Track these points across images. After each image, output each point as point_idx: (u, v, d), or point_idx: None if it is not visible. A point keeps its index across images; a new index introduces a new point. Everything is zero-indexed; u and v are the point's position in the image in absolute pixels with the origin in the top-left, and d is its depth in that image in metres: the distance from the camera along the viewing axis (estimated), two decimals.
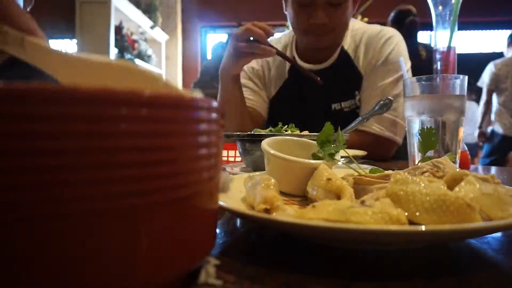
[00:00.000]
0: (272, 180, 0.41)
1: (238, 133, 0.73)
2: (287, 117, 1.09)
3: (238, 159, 0.89)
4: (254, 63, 1.38)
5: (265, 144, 0.50)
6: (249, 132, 0.73)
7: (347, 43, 1.29)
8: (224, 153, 0.92)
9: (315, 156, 0.51)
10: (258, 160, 0.70)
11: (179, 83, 5.34)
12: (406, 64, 1.23)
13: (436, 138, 0.52)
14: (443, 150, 0.66)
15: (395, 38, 1.26)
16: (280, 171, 0.48)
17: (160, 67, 5.02)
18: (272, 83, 1.38)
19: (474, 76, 3.40)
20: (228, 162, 0.90)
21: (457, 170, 0.39)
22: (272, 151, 0.48)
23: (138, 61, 4.08)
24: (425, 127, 0.53)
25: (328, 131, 0.51)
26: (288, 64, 1.33)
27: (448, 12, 0.73)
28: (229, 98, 1.25)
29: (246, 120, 1.29)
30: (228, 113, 1.34)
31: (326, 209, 0.30)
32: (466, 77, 0.66)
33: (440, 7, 0.74)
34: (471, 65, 3.04)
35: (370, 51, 1.26)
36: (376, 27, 1.30)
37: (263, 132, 0.76)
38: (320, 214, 0.30)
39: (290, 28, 1.33)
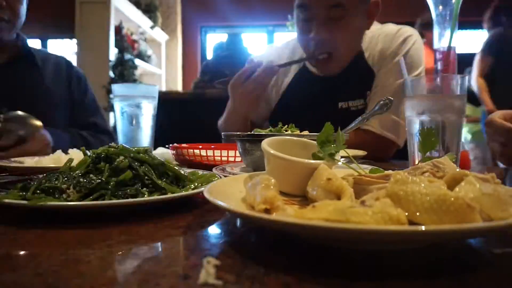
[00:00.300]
0: (272, 180, 0.41)
1: (238, 133, 0.73)
2: (293, 115, 1.10)
3: (238, 159, 0.89)
4: None
5: (265, 144, 0.50)
6: (249, 132, 0.73)
7: (365, 43, 1.27)
8: (224, 153, 0.92)
9: (315, 156, 0.51)
10: (258, 160, 0.70)
11: (179, 83, 5.34)
12: (421, 65, 1.23)
13: (436, 138, 0.52)
14: (443, 150, 0.66)
15: (413, 38, 1.25)
16: (280, 171, 0.48)
17: (160, 67, 5.02)
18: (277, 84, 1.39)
19: None
20: (228, 162, 0.90)
21: (457, 170, 0.39)
22: (272, 151, 0.48)
23: (138, 61, 4.07)
24: (425, 127, 0.53)
25: (328, 131, 0.51)
26: (294, 70, 1.33)
27: (448, 12, 0.73)
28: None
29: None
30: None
31: (326, 209, 0.30)
32: (467, 77, 0.66)
33: (440, 7, 0.74)
34: (471, 65, 3.04)
35: (387, 49, 1.24)
36: (394, 26, 1.29)
37: (263, 132, 0.76)
38: (320, 214, 0.30)
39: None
